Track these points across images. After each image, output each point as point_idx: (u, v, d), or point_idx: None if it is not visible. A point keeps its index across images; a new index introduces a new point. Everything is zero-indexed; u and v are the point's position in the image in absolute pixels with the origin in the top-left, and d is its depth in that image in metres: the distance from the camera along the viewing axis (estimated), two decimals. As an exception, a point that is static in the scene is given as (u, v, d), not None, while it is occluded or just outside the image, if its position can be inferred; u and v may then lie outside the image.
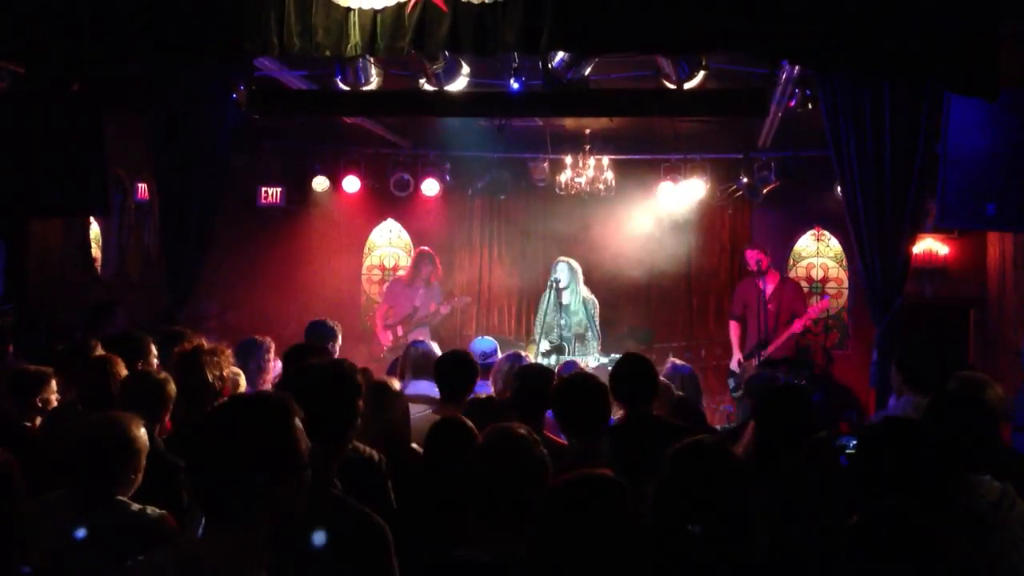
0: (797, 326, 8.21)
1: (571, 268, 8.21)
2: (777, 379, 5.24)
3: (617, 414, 4.33)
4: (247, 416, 2.01)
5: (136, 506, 3.03)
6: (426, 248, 9.75)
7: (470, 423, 3.53)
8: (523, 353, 5.73)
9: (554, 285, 8.09)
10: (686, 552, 2.42)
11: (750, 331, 8.44)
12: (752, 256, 8.43)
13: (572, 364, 5.54)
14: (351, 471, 3.13)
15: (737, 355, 8.58)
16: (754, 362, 8.03)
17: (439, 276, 9.61)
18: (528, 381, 4.32)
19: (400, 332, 8.89)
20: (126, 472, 3.08)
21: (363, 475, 3.32)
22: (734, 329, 8.73)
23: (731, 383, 8.61)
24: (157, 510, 3.02)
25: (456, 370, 4.75)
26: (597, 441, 3.74)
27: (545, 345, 8.01)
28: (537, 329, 8.28)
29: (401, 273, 9.71)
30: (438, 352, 5.44)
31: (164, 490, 3.27)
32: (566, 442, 3.96)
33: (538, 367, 4.77)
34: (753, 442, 4.37)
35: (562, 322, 8.06)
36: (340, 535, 2.59)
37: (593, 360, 7.68)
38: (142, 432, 3.16)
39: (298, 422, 2.04)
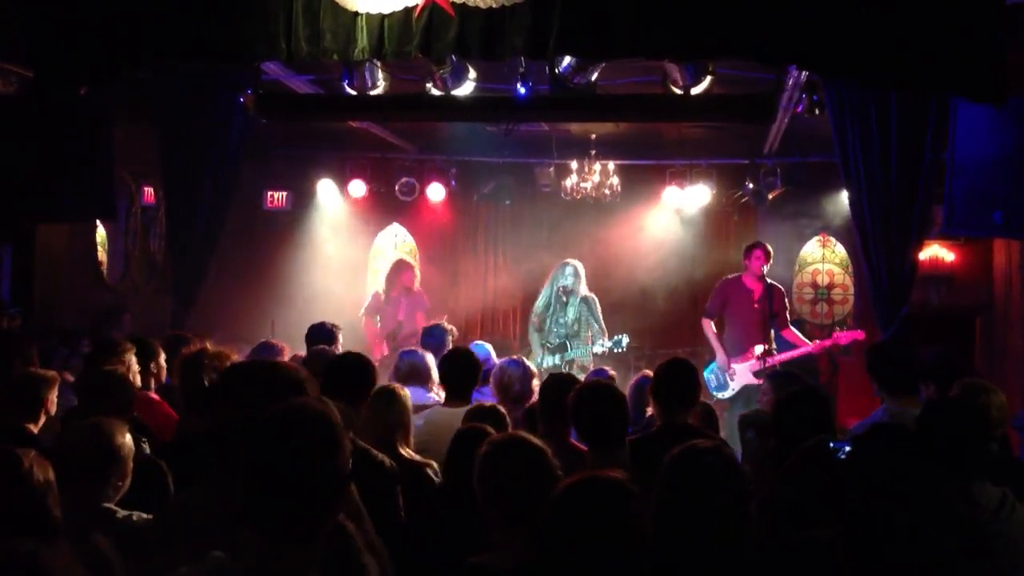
0: (816, 347, 7.91)
1: (577, 272, 8.20)
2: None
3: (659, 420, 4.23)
4: (328, 420, 1.98)
5: (122, 513, 2.99)
6: (402, 258, 9.61)
7: (492, 430, 3.42)
8: (526, 360, 5.67)
9: (561, 291, 8.11)
10: (683, 557, 2.40)
11: (736, 333, 7.86)
12: (762, 257, 7.81)
13: (602, 371, 5.47)
14: (359, 474, 3.09)
15: (722, 355, 7.80)
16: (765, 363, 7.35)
17: (413, 284, 9.14)
18: (552, 390, 4.17)
19: (387, 350, 8.52)
20: (111, 480, 3.04)
21: (372, 480, 3.29)
22: (709, 327, 8.00)
23: (712, 382, 7.76)
24: (143, 515, 2.97)
25: (459, 369, 4.82)
26: (616, 450, 3.62)
27: (548, 346, 8.09)
28: (533, 333, 8.32)
29: (378, 290, 9.42)
30: (430, 361, 5.39)
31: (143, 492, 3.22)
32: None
33: (563, 375, 4.66)
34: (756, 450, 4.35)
35: (561, 320, 8.12)
36: None
37: (599, 347, 7.92)
38: (127, 438, 3.12)
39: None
